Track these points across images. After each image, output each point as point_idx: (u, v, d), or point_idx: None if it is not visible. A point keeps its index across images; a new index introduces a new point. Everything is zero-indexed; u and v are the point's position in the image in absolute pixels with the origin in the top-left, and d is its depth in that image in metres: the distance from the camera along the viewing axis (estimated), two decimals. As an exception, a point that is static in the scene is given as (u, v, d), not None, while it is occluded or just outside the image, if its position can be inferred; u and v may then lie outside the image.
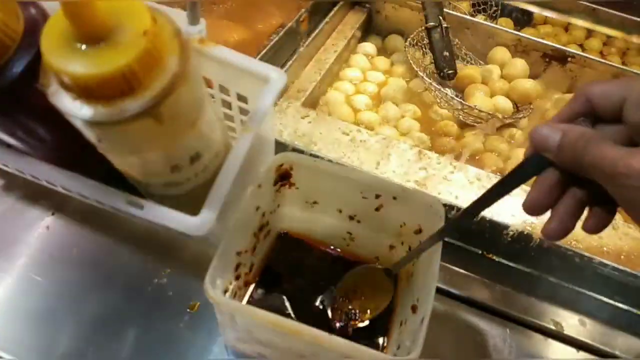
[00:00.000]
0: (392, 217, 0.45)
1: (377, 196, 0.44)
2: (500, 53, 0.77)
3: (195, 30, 0.39)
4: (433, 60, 0.74)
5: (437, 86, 0.68)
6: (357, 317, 0.46)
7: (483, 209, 0.33)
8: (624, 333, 0.50)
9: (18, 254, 0.49)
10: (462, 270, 0.53)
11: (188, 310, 0.47)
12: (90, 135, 0.28)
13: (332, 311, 0.46)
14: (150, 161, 0.30)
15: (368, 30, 0.83)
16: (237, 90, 0.41)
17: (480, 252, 0.53)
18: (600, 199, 0.28)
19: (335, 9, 0.77)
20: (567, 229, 0.29)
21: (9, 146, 0.35)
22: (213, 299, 0.34)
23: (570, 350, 0.49)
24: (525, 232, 0.51)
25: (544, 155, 0.28)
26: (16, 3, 0.28)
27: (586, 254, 0.50)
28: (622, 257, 0.53)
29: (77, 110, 0.25)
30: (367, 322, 0.45)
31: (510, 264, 0.53)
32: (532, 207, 0.30)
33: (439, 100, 0.70)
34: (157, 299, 0.47)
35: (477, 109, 0.67)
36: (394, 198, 0.43)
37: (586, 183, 0.27)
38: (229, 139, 0.39)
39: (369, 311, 0.46)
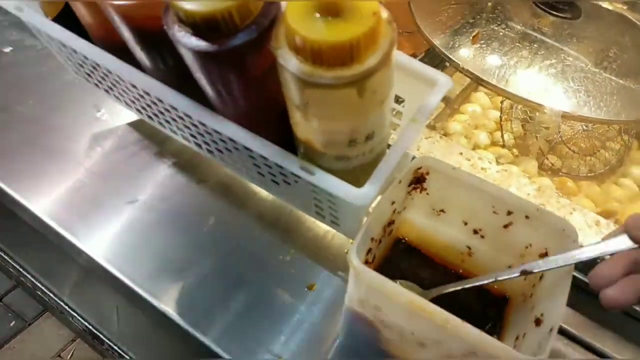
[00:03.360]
0: (519, 236, 0.46)
1: (509, 213, 0.45)
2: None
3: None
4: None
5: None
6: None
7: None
8: None
9: (163, 211, 0.55)
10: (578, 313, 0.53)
11: (306, 288, 0.50)
12: (299, 97, 0.32)
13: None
14: (338, 131, 0.34)
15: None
16: (397, 92, 0.45)
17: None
18: None
19: (465, 47, 0.81)
20: (627, 302, 0.31)
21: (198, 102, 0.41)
22: (356, 267, 0.37)
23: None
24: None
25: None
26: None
27: None
28: None
29: (301, 72, 0.30)
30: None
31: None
32: (601, 278, 0.32)
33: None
34: (280, 273, 0.51)
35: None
36: (527, 217, 0.44)
37: None
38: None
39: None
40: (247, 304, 0.48)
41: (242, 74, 0.34)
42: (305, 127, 0.36)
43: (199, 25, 0.32)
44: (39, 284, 1.16)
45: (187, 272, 0.51)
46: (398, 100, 0.45)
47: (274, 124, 0.40)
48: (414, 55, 0.77)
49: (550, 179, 0.69)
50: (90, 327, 1.16)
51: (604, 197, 0.69)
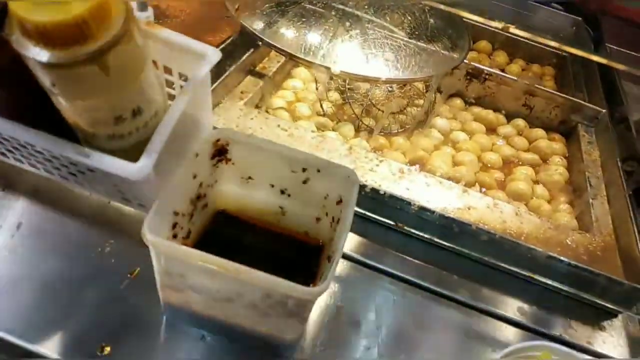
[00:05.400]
0: (317, 189, 0.51)
1: (304, 170, 0.50)
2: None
3: (144, 15, 0.45)
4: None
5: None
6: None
7: None
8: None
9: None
10: (377, 245, 0.60)
11: (129, 275, 0.51)
12: (45, 80, 0.33)
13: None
14: (97, 109, 0.35)
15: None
16: (179, 70, 0.47)
17: (393, 223, 0.60)
18: None
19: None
20: None
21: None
22: (149, 240, 0.38)
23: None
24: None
25: None
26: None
27: (487, 229, 0.58)
28: (523, 238, 0.62)
29: (36, 54, 0.31)
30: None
31: (420, 234, 0.60)
32: None
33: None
34: (100, 265, 0.51)
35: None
36: (318, 171, 0.49)
37: None
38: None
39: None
40: (70, 303, 0.48)
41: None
42: (65, 109, 0.36)
43: None
44: None
45: (16, 286, 0.48)
46: (182, 77, 0.47)
47: (49, 114, 0.40)
48: (229, 37, 0.79)
49: (366, 139, 0.76)
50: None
51: (413, 148, 0.77)
